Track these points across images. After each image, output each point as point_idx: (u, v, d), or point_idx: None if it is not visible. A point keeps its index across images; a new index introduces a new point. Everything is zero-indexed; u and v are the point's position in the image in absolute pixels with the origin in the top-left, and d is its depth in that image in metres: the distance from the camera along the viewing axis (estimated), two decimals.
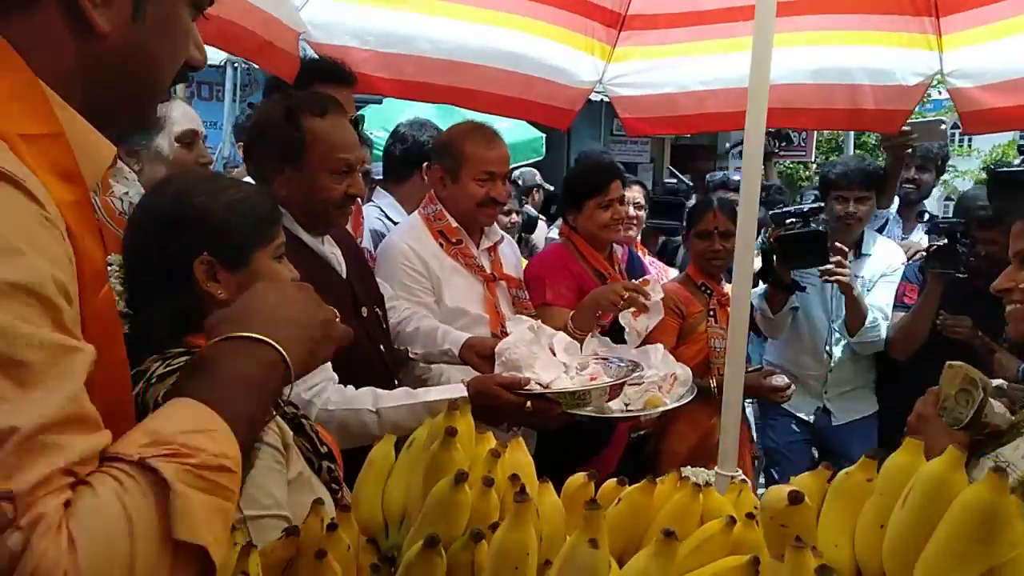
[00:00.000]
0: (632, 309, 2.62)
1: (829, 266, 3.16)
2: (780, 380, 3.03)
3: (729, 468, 1.91)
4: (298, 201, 1.89)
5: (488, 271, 2.58)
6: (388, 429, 1.67)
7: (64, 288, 0.73)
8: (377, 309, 2.16)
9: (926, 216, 3.26)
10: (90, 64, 0.82)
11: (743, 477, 1.80)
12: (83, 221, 0.79)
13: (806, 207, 3.24)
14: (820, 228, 3.11)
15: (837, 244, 3.17)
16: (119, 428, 0.77)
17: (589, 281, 2.86)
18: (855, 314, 3.31)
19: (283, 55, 2.53)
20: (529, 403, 1.84)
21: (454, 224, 2.52)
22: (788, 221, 3.17)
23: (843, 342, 3.47)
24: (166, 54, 0.89)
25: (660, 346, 2.56)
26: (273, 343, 0.88)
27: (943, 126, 3.48)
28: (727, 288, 3.08)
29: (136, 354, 1.29)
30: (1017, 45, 2.71)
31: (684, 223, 3.93)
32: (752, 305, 3.43)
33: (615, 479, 1.05)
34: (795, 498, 0.96)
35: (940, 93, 3.19)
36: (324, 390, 1.80)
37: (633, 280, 2.83)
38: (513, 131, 7.44)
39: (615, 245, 3.10)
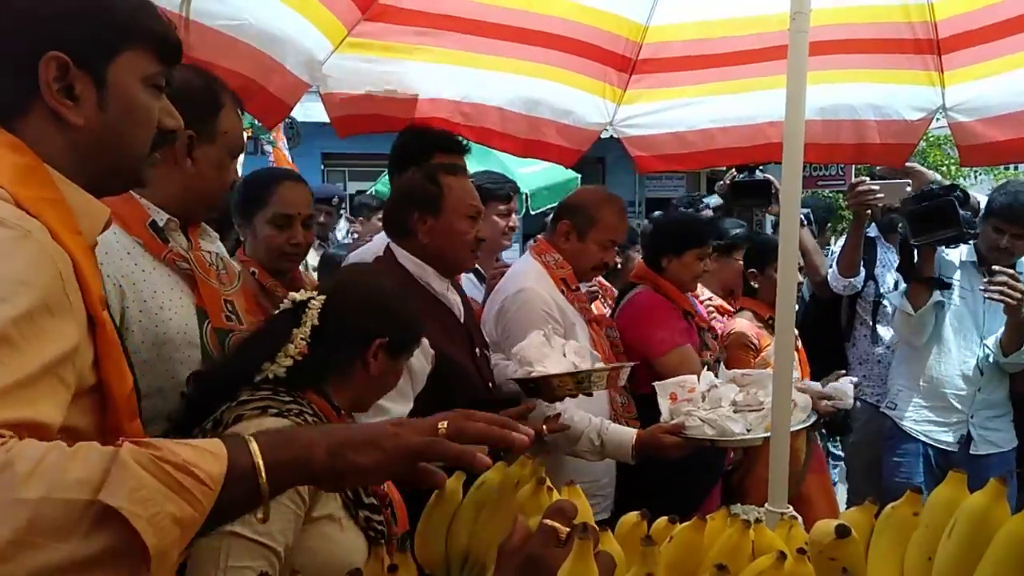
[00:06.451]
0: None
1: (1000, 285, 3.00)
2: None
3: (779, 504, 1.89)
4: (439, 245, 2.21)
5: (592, 313, 2.79)
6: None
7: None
8: (485, 351, 2.42)
9: None
10: (78, 147, 1.08)
11: (793, 513, 1.79)
12: (86, 262, 1.02)
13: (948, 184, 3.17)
14: (951, 198, 2.94)
15: (998, 268, 3.02)
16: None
17: (681, 320, 2.97)
18: (1015, 335, 3.12)
19: (272, 102, 2.59)
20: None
21: (573, 273, 2.72)
22: (923, 204, 3.05)
23: (991, 359, 3.23)
24: (132, 129, 1.12)
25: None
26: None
27: (908, 188, 3.47)
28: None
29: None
30: (1016, 80, 2.78)
31: None
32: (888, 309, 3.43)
33: (666, 517, 1.09)
34: (842, 532, 0.99)
35: (936, 121, 3.26)
36: None
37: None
38: (549, 172, 7.41)
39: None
